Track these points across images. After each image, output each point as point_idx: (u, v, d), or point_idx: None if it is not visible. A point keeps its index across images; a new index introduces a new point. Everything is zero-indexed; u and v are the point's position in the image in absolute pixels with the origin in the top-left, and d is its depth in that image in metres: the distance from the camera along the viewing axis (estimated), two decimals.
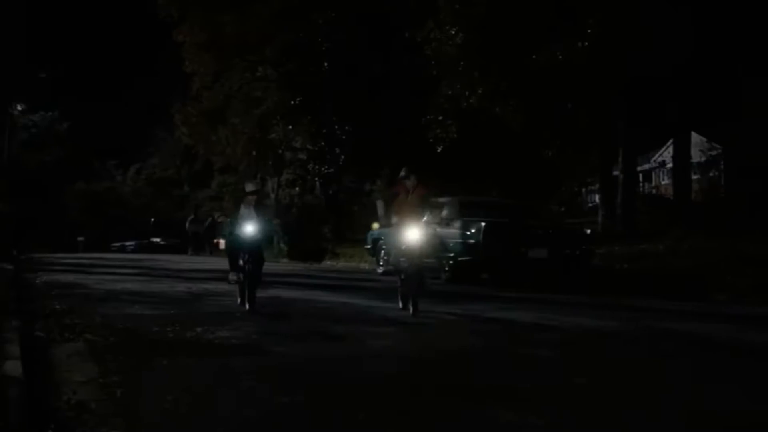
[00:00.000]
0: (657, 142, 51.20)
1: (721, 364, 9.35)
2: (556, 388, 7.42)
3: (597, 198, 40.00)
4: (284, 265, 33.35)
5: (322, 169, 45.33)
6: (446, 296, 17.63)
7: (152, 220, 69.48)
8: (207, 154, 55.45)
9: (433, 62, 31.10)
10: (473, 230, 21.27)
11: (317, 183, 51.28)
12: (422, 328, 11.95)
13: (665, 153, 52.08)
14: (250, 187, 14.88)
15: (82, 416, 6.05)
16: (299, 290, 18.61)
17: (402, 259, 13.92)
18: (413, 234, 13.53)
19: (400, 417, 6.28)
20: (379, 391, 7.25)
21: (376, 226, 25.79)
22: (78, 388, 6.93)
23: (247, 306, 13.79)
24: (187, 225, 52.02)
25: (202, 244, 49.52)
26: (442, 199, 24.28)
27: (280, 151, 47.81)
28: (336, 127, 43.31)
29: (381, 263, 26.63)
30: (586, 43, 26.96)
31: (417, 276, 13.52)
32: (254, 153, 47.72)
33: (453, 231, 21.90)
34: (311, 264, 35.97)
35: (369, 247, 28.22)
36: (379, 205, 14.25)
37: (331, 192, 50.47)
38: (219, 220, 14.87)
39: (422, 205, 14.09)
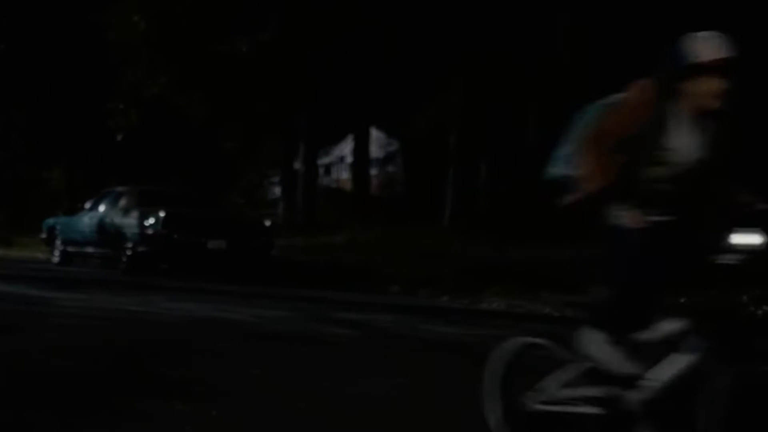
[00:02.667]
0: (337, 136, 52.23)
1: (392, 355, 9.67)
2: (233, 379, 7.49)
3: (278, 190, 40.42)
4: None
5: None
6: (123, 287, 17.46)
7: None
8: None
9: (115, 48, 30.51)
10: (152, 220, 21.12)
11: None
12: (95, 320, 11.73)
13: (345, 148, 53.21)
14: (713, 51, 3.97)
15: None
16: None
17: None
18: None
19: (79, 415, 6.18)
20: (58, 387, 7.10)
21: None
22: None
23: None
24: None
25: None
26: (120, 188, 24.03)
27: None
28: (13, 112, 41.75)
29: (56, 253, 25.99)
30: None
31: None
32: None
33: (131, 220, 21.70)
34: None
35: (44, 236, 27.46)
36: None
37: (6, 179, 48.52)
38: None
39: None
